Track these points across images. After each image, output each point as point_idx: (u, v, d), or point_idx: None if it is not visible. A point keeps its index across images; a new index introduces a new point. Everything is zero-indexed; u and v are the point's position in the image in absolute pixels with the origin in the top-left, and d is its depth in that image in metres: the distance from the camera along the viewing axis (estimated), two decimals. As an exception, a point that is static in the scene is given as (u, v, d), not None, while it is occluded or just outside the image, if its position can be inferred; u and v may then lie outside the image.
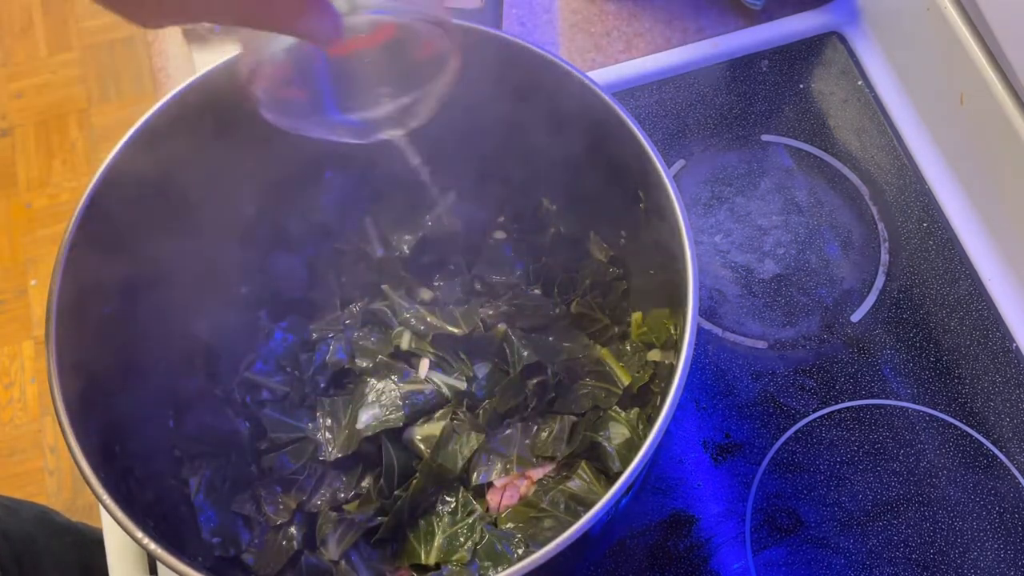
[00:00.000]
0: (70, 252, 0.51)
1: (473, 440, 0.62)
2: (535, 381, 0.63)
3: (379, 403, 0.63)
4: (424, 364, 0.65)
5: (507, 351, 0.65)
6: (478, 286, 0.69)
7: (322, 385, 0.65)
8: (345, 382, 0.66)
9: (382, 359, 0.65)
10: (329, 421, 0.63)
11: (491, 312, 0.67)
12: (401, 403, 0.63)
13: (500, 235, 0.71)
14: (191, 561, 0.46)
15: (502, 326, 0.66)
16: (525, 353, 0.64)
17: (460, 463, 0.62)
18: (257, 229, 0.68)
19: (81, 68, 2.02)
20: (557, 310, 0.67)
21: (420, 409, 0.63)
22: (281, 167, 0.67)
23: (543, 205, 0.69)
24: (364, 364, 0.65)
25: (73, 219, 0.52)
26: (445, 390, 0.64)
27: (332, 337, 0.66)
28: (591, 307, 0.67)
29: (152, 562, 0.65)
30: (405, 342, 0.66)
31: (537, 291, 0.68)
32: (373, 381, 0.64)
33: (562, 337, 0.66)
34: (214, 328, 0.66)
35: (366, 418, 0.62)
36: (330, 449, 0.62)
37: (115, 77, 2.01)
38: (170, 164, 0.57)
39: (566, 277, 0.68)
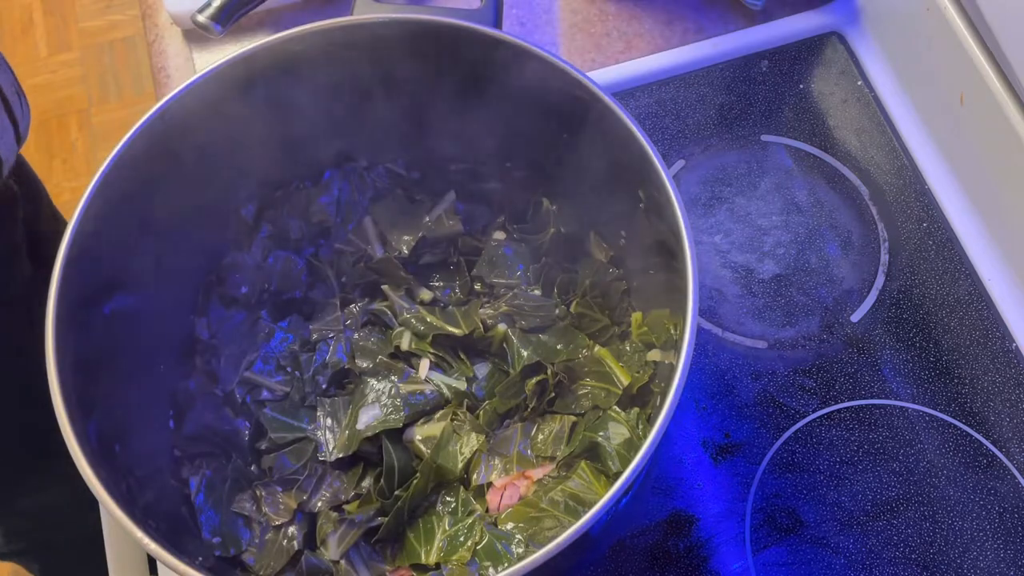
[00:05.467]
0: (70, 252, 0.51)
1: (473, 440, 0.62)
2: (535, 381, 0.64)
3: (379, 403, 0.63)
4: (424, 364, 0.65)
5: (507, 351, 0.65)
6: (478, 286, 0.69)
7: (323, 385, 0.65)
8: (345, 382, 0.66)
9: (382, 359, 0.65)
10: (329, 421, 0.63)
11: (491, 312, 0.67)
12: (401, 403, 0.63)
13: (500, 235, 0.71)
14: (191, 561, 0.46)
15: (502, 326, 0.66)
16: (525, 353, 0.64)
17: (460, 463, 0.62)
18: (257, 229, 0.68)
19: (81, 68, 2.02)
20: (557, 310, 0.67)
21: (420, 410, 0.63)
22: (281, 167, 0.67)
23: (543, 205, 0.69)
24: (364, 364, 0.65)
25: (73, 219, 0.52)
26: (445, 390, 0.64)
27: (332, 337, 0.66)
28: (591, 307, 0.67)
29: (152, 562, 0.65)
30: (405, 342, 0.66)
31: (537, 291, 0.68)
32: (373, 381, 0.64)
33: (562, 337, 0.66)
34: (214, 328, 0.66)
35: (366, 418, 0.62)
36: (330, 449, 0.62)
37: (115, 77, 2.01)
38: (170, 164, 0.57)
39: (566, 277, 0.68)
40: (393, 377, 0.64)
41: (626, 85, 0.83)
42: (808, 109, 0.83)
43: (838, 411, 0.70)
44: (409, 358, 0.66)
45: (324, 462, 0.62)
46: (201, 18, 0.75)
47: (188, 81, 0.56)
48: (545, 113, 0.60)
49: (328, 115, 0.65)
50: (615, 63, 0.83)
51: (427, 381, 0.65)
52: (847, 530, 0.66)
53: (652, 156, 0.54)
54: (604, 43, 0.84)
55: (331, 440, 0.63)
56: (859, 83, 0.84)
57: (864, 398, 0.71)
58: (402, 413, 0.62)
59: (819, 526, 0.66)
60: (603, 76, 0.82)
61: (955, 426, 0.70)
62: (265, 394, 0.65)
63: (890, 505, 0.67)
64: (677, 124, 0.82)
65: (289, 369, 0.66)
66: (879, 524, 0.66)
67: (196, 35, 0.82)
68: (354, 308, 0.68)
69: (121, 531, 0.46)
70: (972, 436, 0.69)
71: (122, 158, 0.54)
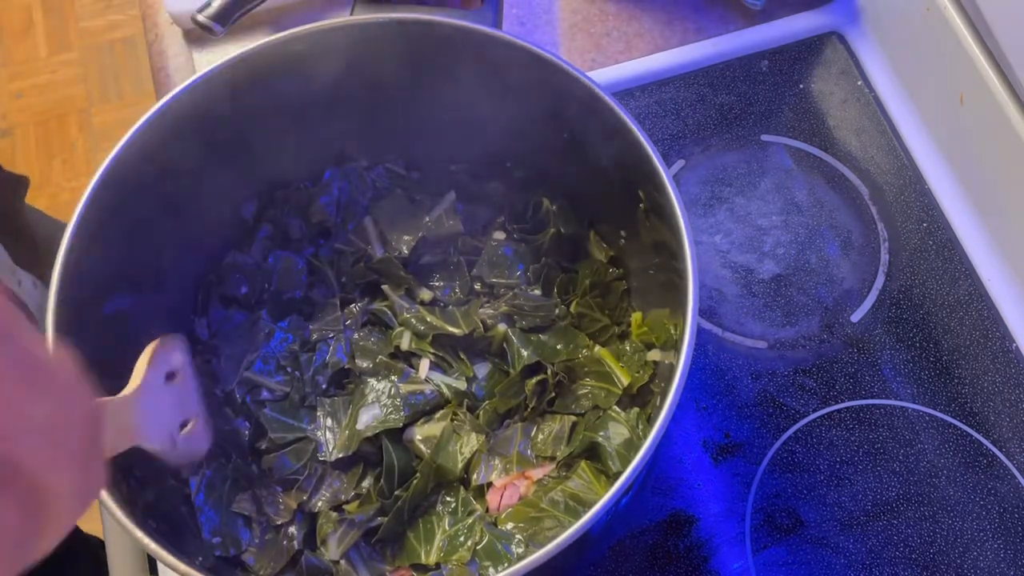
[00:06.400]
0: (70, 252, 0.51)
1: (473, 441, 0.62)
2: (535, 381, 0.63)
3: (379, 403, 0.63)
4: (424, 364, 0.65)
5: (507, 351, 0.65)
6: (477, 286, 0.69)
7: (322, 385, 0.65)
8: (345, 382, 0.66)
9: (382, 359, 0.65)
10: (330, 421, 0.63)
11: (491, 312, 0.67)
12: (401, 403, 0.63)
13: (500, 235, 0.71)
14: (191, 561, 0.46)
15: (502, 326, 0.66)
16: (525, 353, 0.64)
17: (460, 463, 0.62)
18: (257, 229, 0.68)
19: (81, 68, 2.02)
20: (557, 310, 0.67)
21: (420, 409, 0.63)
22: (281, 167, 0.67)
23: (543, 205, 0.69)
24: (364, 364, 0.65)
25: (73, 219, 0.52)
26: (445, 390, 0.64)
27: (332, 337, 0.66)
28: (591, 307, 0.67)
29: (152, 562, 0.65)
30: (405, 342, 0.66)
31: (537, 291, 0.68)
32: (373, 381, 0.64)
33: (562, 337, 0.66)
34: (214, 328, 0.66)
35: (366, 418, 0.62)
36: (330, 449, 0.62)
37: (115, 77, 2.01)
38: (170, 164, 0.57)
39: (566, 277, 0.68)
40: (393, 377, 0.64)
41: (626, 85, 0.83)
42: (808, 109, 0.83)
43: (838, 411, 0.70)
44: (409, 358, 0.66)
45: (324, 462, 0.62)
46: (201, 18, 0.75)
47: (188, 81, 0.56)
48: (545, 113, 0.60)
49: (328, 115, 0.65)
50: (615, 63, 0.83)
51: (427, 381, 0.65)
52: (847, 530, 0.66)
53: (652, 156, 0.54)
54: (604, 43, 0.84)
55: (331, 440, 0.63)
56: (859, 83, 0.84)
57: (864, 398, 0.71)
58: (402, 413, 0.62)
59: (819, 526, 0.66)
60: (603, 76, 0.82)
61: (955, 426, 0.70)
62: (265, 394, 0.65)
63: (890, 505, 0.67)
64: (677, 124, 0.82)
65: (289, 369, 0.66)
66: (879, 524, 0.66)
67: (196, 35, 0.82)
68: (354, 308, 0.68)
69: (121, 531, 0.46)
70: (972, 436, 0.69)
71: (122, 158, 0.54)
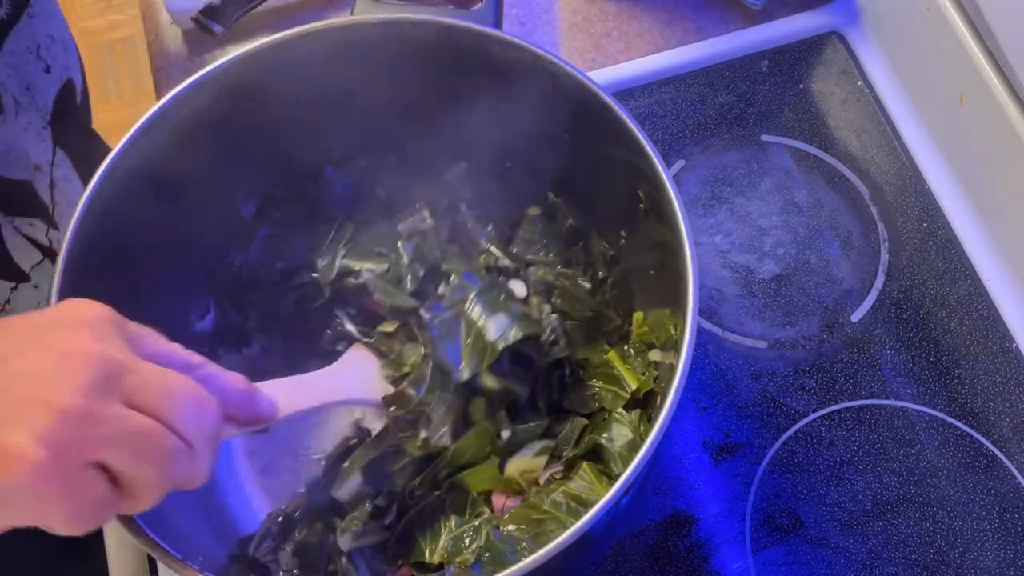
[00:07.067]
0: (70, 252, 0.51)
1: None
2: (555, 374, 0.63)
3: (503, 311, 0.58)
4: (519, 284, 0.64)
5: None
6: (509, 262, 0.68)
7: (420, 274, 0.63)
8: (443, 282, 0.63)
9: (479, 269, 0.63)
10: (447, 340, 0.58)
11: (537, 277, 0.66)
12: (519, 312, 0.59)
13: (535, 210, 0.70)
14: (191, 561, 0.46)
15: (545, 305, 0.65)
16: (561, 343, 0.63)
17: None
18: (257, 228, 0.68)
19: (81, 68, 2.02)
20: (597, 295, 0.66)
21: (532, 327, 0.60)
22: (281, 167, 0.67)
23: (548, 199, 0.69)
24: (460, 268, 0.63)
25: (73, 219, 0.52)
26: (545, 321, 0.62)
27: (421, 235, 0.65)
28: (607, 304, 0.66)
29: (152, 562, 0.65)
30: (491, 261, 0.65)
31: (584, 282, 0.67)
32: (476, 290, 0.60)
33: (586, 331, 0.65)
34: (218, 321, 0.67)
35: (496, 327, 0.57)
36: (461, 368, 0.57)
37: (115, 77, 2.01)
38: (170, 164, 0.57)
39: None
40: (496, 290, 0.62)
41: (626, 85, 0.83)
42: (808, 109, 0.83)
43: (838, 411, 0.70)
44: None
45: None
46: (201, 18, 0.75)
47: (188, 81, 0.56)
48: (545, 113, 0.60)
49: (328, 115, 0.65)
50: (615, 63, 0.83)
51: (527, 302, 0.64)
52: (847, 530, 0.66)
53: (652, 156, 0.54)
54: (604, 43, 0.84)
55: (458, 359, 0.58)
56: (859, 83, 0.84)
57: (864, 398, 0.71)
58: (537, 320, 0.60)
59: (819, 526, 0.66)
60: (603, 76, 0.82)
61: (955, 426, 0.70)
62: (367, 275, 0.64)
63: (890, 505, 0.67)
64: (677, 124, 0.82)
65: (384, 251, 0.64)
66: (879, 524, 0.66)
67: (196, 35, 0.82)
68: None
69: (121, 531, 0.46)
70: (972, 436, 0.69)
71: (122, 158, 0.54)
